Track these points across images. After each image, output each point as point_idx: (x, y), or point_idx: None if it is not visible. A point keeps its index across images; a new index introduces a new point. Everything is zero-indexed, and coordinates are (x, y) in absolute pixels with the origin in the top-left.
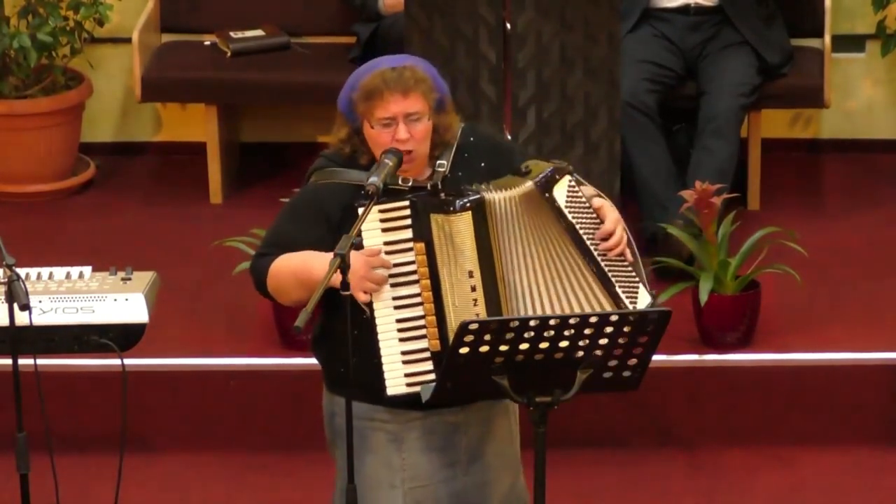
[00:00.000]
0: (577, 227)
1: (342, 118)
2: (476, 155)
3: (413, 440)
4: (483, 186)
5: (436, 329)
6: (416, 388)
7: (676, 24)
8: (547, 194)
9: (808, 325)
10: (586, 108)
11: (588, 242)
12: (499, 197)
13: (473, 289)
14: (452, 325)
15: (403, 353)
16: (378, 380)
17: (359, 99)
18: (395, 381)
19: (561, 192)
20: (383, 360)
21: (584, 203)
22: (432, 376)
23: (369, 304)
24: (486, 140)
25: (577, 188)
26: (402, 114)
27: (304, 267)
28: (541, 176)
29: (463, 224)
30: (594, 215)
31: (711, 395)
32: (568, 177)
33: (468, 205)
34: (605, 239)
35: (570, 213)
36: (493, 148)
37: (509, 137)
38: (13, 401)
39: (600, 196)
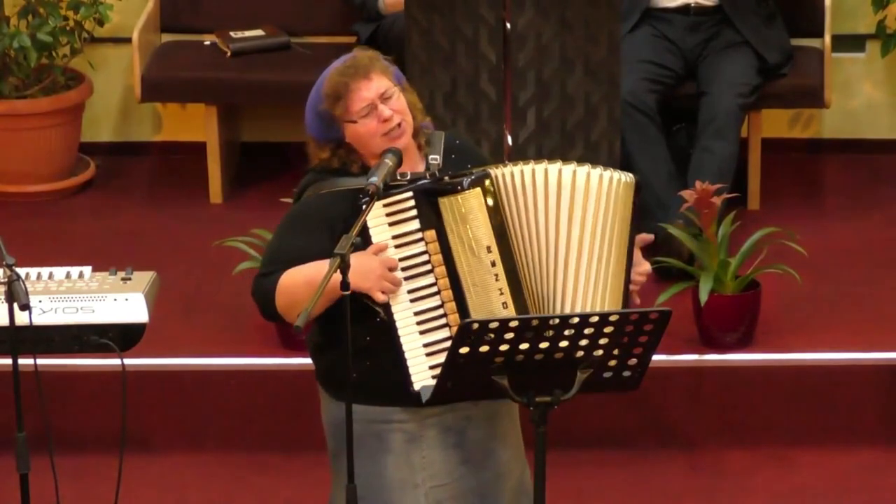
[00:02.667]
0: (629, 244)
1: (317, 142)
2: (462, 158)
3: (431, 438)
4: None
5: (457, 315)
6: None
7: (676, 24)
8: (635, 197)
9: (808, 325)
10: (586, 108)
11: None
12: (508, 171)
13: (493, 264)
14: (475, 305)
15: (426, 345)
16: (395, 380)
17: (329, 106)
18: (421, 375)
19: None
20: (406, 355)
21: (635, 226)
22: None
23: (384, 305)
24: (470, 147)
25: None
26: (376, 96)
27: (317, 274)
28: (636, 178)
29: (474, 201)
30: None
31: (711, 395)
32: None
33: (476, 181)
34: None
35: (632, 228)
36: (476, 154)
37: (510, 139)
38: (13, 401)
39: None
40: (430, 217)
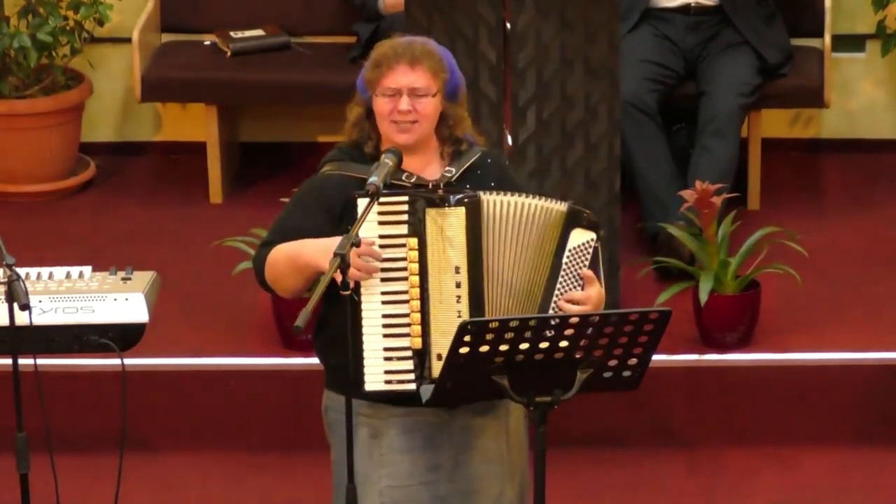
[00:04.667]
0: (561, 273)
1: (358, 95)
2: (488, 175)
3: (392, 437)
4: (484, 191)
5: (419, 326)
6: (395, 387)
7: (677, 23)
8: (567, 227)
9: (808, 325)
10: (586, 108)
11: (556, 291)
12: (496, 199)
13: (458, 285)
14: (436, 322)
15: (385, 349)
16: (357, 371)
17: (368, 69)
18: (374, 378)
19: (578, 238)
20: (365, 354)
21: (583, 263)
22: (412, 376)
23: (357, 294)
24: (502, 168)
25: (590, 249)
26: (408, 87)
27: (296, 252)
28: (579, 209)
29: (455, 219)
30: (580, 279)
31: (711, 395)
32: (594, 235)
33: (463, 200)
34: (570, 301)
35: (566, 258)
36: (506, 178)
37: (510, 139)
38: (13, 401)
39: (598, 280)
40: (417, 225)
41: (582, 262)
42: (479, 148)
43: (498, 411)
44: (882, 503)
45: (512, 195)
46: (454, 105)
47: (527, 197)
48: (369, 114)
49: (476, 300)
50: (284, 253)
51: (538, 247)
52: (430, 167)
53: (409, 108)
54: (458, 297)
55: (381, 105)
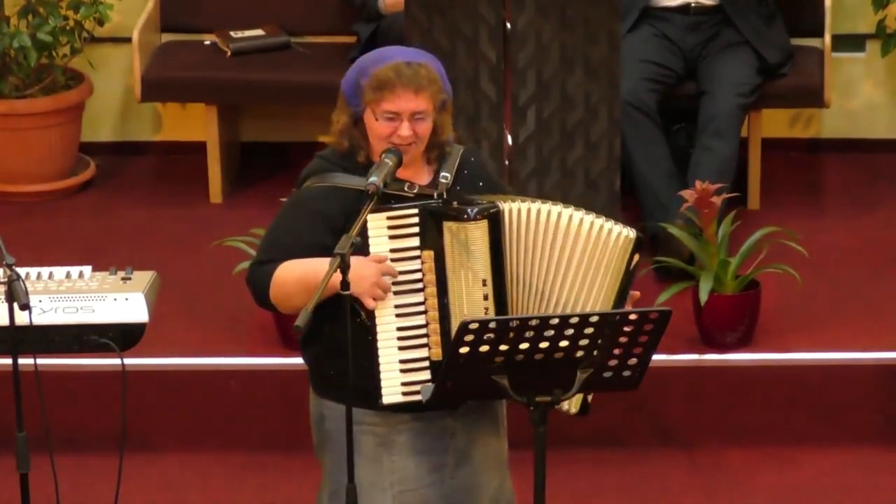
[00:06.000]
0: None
1: (344, 102)
2: (475, 175)
3: (402, 443)
4: (507, 197)
5: (438, 338)
6: (412, 398)
7: (676, 23)
8: (633, 254)
9: (808, 325)
10: (586, 108)
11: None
12: (517, 207)
13: (486, 297)
14: None
15: (402, 361)
16: (368, 384)
17: (368, 87)
18: (392, 390)
19: (636, 259)
20: (381, 367)
21: (632, 282)
22: (430, 385)
23: (368, 312)
24: (485, 166)
25: (636, 268)
26: (410, 112)
27: (310, 272)
28: (637, 234)
29: (479, 232)
30: (626, 296)
31: (711, 395)
32: (638, 255)
33: (484, 213)
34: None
35: (625, 279)
36: (488, 175)
37: (510, 139)
38: (13, 401)
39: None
40: (432, 238)
41: (631, 281)
42: (457, 147)
43: (495, 406)
44: (882, 503)
45: (533, 202)
46: (442, 114)
47: (551, 204)
48: (356, 122)
49: (503, 311)
50: (295, 274)
51: (571, 256)
52: (420, 174)
53: (410, 133)
54: (486, 308)
55: (379, 127)
